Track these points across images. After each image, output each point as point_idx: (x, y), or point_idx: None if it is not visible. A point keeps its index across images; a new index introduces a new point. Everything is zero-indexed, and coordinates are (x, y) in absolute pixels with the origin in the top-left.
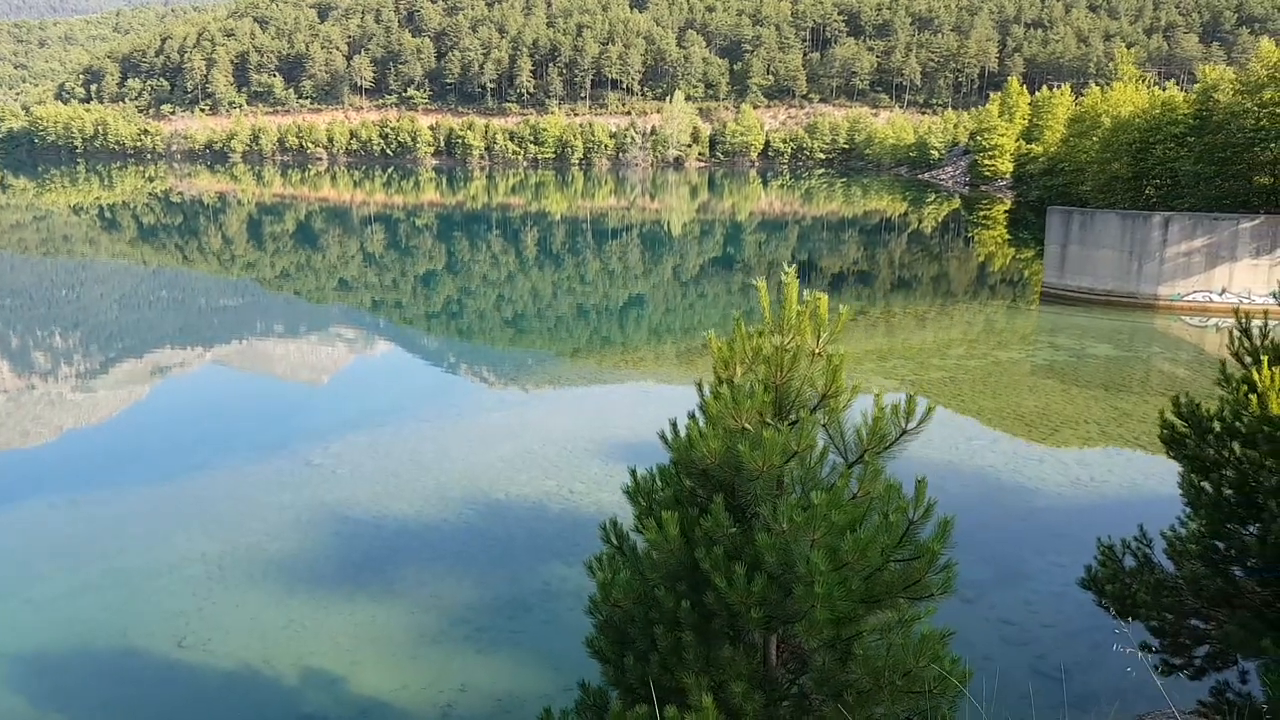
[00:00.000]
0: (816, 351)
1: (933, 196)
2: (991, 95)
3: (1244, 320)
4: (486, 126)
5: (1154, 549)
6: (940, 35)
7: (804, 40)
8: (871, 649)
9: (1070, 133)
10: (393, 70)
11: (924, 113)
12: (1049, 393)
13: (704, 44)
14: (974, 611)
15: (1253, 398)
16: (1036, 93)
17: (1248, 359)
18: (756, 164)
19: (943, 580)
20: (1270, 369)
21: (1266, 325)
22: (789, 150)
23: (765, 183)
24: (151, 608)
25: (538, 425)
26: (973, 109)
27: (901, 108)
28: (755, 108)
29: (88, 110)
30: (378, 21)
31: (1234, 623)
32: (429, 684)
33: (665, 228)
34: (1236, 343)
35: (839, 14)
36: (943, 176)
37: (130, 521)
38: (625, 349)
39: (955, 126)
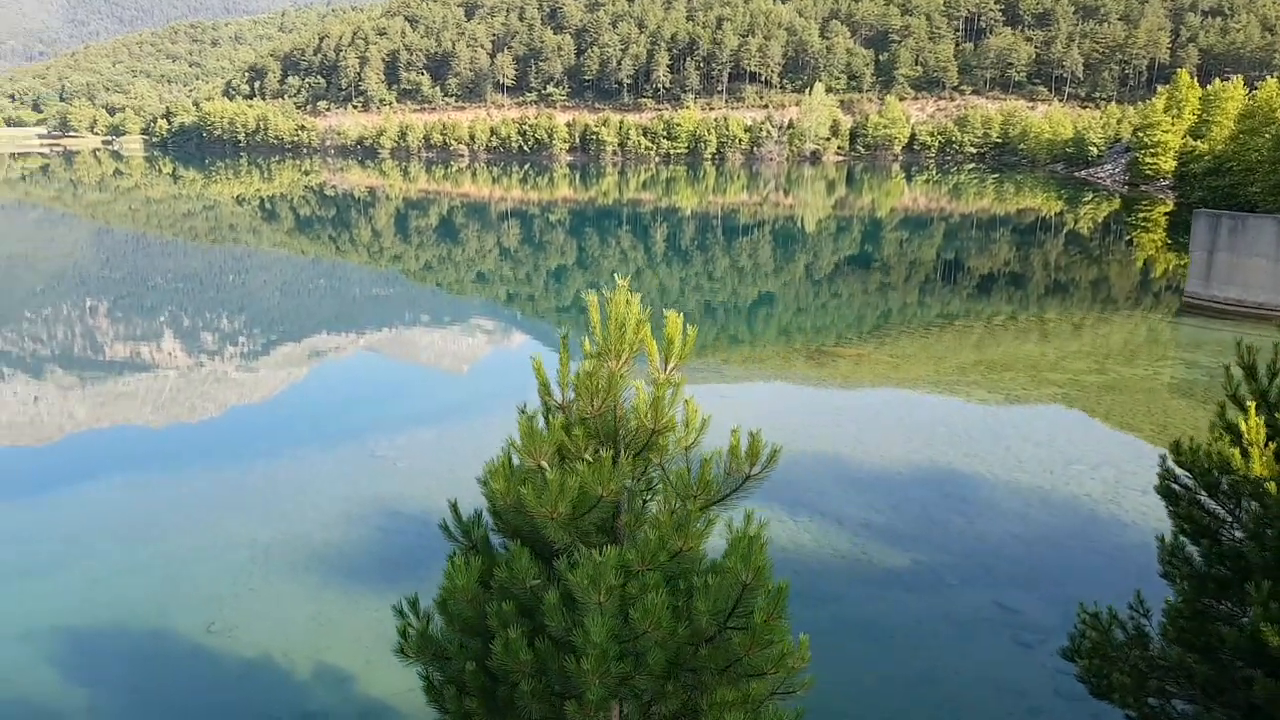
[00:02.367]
0: (663, 378)
1: (1090, 195)
2: (1159, 89)
3: (1248, 355)
4: (621, 122)
5: (1151, 621)
6: (1106, 25)
7: (956, 30)
8: None
9: (1240, 129)
10: (533, 68)
11: (1085, 107)
12: (1173, 415)
13: (848, 34)
14: (1031, 659)
15: (1234, 451)
16: (1208, 86)
17: (1249, 402)
18: (900, 158)
19: (776, 658)
20: (1256, 417)
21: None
22: (936, 144)
23: (909, 178)
24: (190, 591)
25: None
26: (1139, 103)
27: (1061, 101)
28: (901, 100)
29: (250, 106)
30: (521, 19)
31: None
32: None
33: (799, 224)
34: (1236, 384)
35: (995, 3)
36: (1101, 175)
37: (191, 504)
38: (753, 347)
39: (1118, 122)
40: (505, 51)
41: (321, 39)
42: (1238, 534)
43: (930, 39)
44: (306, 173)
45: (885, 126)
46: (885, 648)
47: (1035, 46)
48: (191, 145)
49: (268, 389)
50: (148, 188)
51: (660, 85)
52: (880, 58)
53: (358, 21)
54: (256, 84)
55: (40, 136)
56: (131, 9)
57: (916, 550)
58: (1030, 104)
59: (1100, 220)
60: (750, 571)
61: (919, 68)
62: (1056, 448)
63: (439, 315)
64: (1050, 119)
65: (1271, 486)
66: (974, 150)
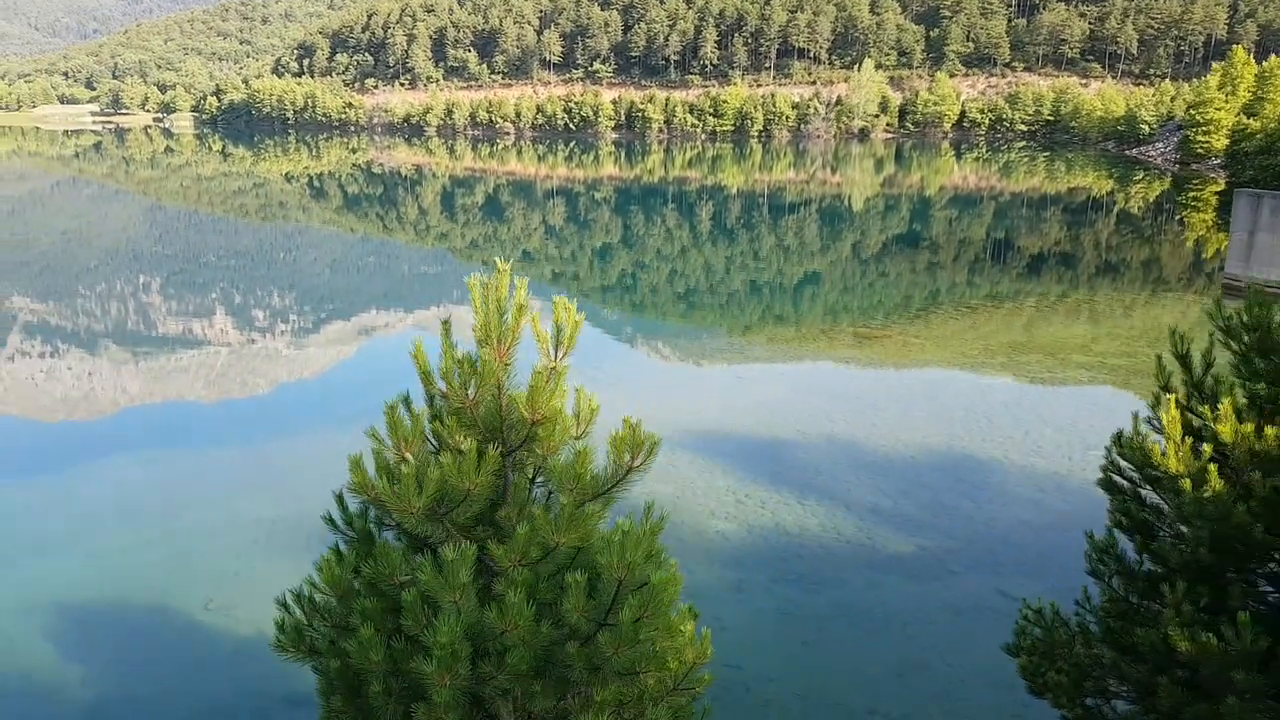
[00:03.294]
0: (554, 367)
1: (1141, 174)
2: (1215, 66)
3: (1181, 343)
4: (667, 100)
5: (1098, 618)
6: (1162, 1)
7: (1009, 6)
8: None
9: None
10: (580, 44)
11: (1139, 84)
12: None
13: (899, 10)
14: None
15: (1155, 445)
16: (1264, 63)
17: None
18: (949, 135)
19: (649, 657)
20: (1174, 410)
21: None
22: (986, 121)
23: (959, 155)
24: (192, 568)
25: (636, 405)
26: (1194, 81)
27: (1115, 78)
28: (951, 76)
29: (299, 84)
30: None
31: None
32: None
33: (846, 202)
34: (1167, 373)
35: None
36: (1152, 153)
37: (214, 481)
38: (798, 327)
39: (1172, 99)
40: (552, 28)
41: (370, 16)
42: (1173, 531)
43: (982, 15)
44: (354, 150)
45: (935, 104)
46: (881, 635)
47: (1089, 22)
48: (241, 123)
49: (317, 366)
50: (198, 165)
51: (707, 62)
52: (931, 34)
53: None
54: (305, 61)
55: (93, 114)
56: None
57: (922, 536)
58: (1083, 81)
59: (1151, 200)
60: (623, 568)
61: (970, 44)
62: (1078, 432)
63: None
64: (1102, 96)
65: (1186, 484)
66: (1025, 128)
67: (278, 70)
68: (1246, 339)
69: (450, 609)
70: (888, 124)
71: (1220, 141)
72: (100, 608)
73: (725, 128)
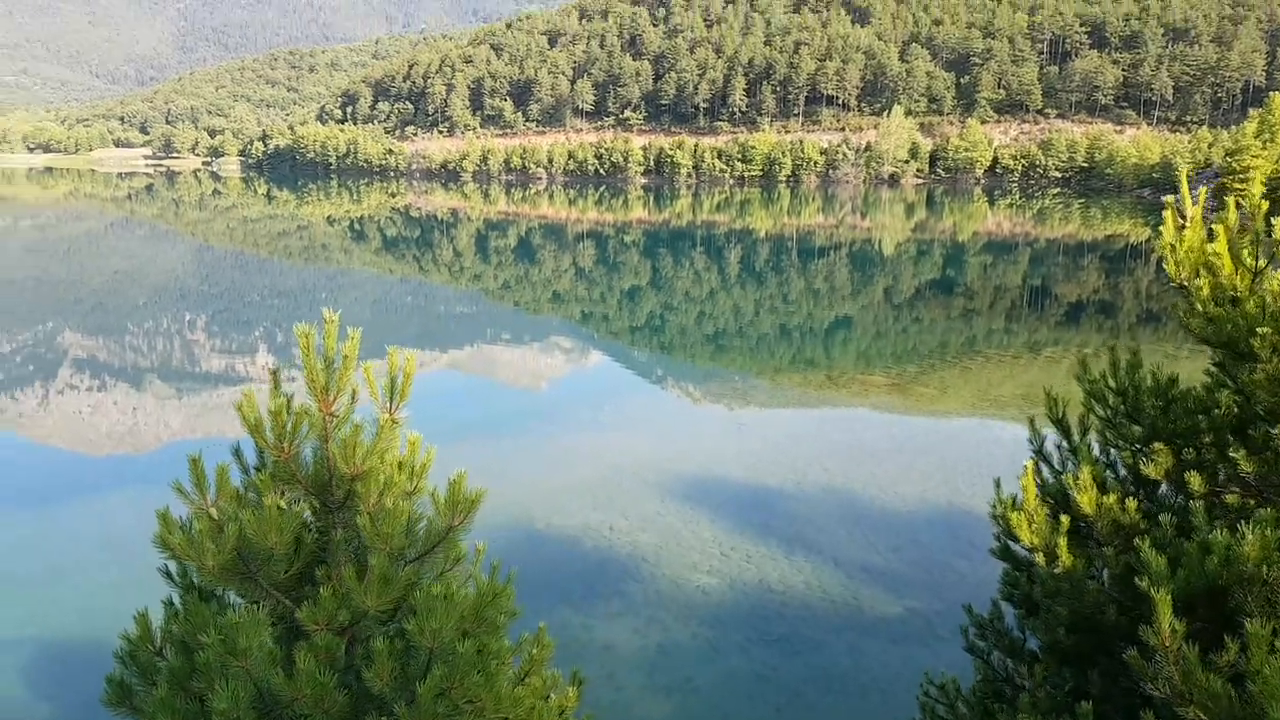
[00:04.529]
0: (390, 418)
1: None
2: (1252, 112)
3: (1056, 407)
4: (695, 145)
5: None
6: (1197, 47)
7: (1040, 53)
8: None
9: None
10: (612, 93)
11: (1175, 130)
12: None
13: (929, 57)
14: None
15: (1016, 515)
16: None
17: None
18: (982, 181)
19: None
20: (1031, 477)
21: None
22: (1019, 168)
23: (992, 201)
24: None
25: (626, 448)
26: (1231, 128)
27: (1150, 124)
28: (983, 123)
29: (342, 130)
30: (601, 46)
31: None
32: None
33: (876, 247)
34: (1041, 438)
35: (1081, 25)
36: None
37: None
38: (831, 371)
39: (1209, 146)
40: (585, 78)
41: (411, 66)
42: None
43: (1013, 62)
44: (393, 195)
45: (966, 150)
46: (859, 703)
47: (1123, 69)
48: (285, 167)
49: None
50: (244, 207)
51: (736, 109)
52: (961, 80)
53: (446, 49)
54: (349, 109)
55: (145, 157)
56: (237, 37)
57: (911, 597)
58: (1118, 127)
59: None
60: (431, 636)
61: (1001, 91)
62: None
63: (518, 333)
64: (1137, 143)
65: (1040, 558)
66: (1058, 174)
67: (322, 117)
68: (1112, 402)
69: (238, 673)
70: (918, 170)
71: (1257, 189)
72: (80, 645)
73: (753, 173)
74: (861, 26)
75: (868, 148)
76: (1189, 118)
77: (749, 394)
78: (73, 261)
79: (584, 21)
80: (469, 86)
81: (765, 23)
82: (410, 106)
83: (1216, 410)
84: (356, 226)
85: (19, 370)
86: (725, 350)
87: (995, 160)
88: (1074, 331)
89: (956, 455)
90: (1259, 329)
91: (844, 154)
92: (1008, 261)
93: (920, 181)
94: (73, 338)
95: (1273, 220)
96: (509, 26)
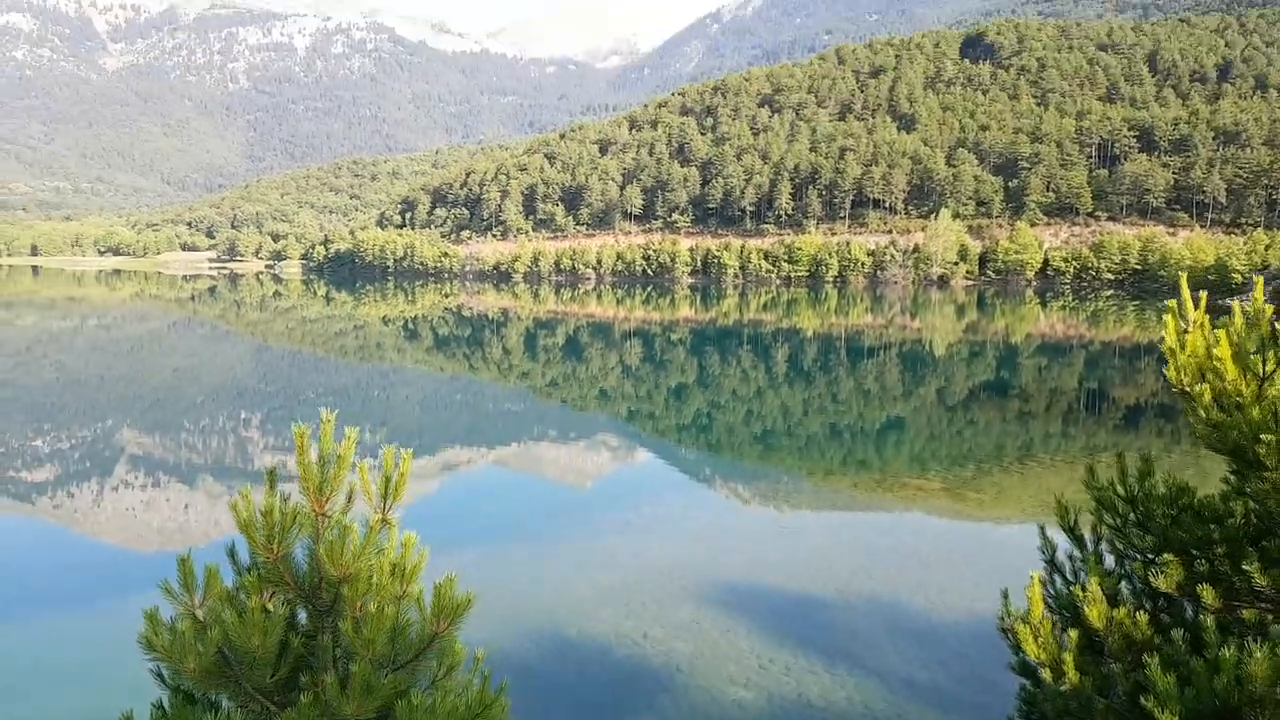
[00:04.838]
0: (383, 519)
1: None
2: None
3: (1068, 516)
4: (742, 247)
5: None
6: (1249, 150)
7: (1089, 157)
8: None
9: None
10: (660, 197)
11: (1230, 232)
12: None
13: (976, 162)
14: None
15: (1022, 626)
16: None
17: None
18: (1033, 283)
19: None
20: (1038, 587)
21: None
22: (1071, 270)
23: (1044, 303)
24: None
25: (664, 550)
26: None
27: (1203, 227)
28: (1033, 225)
29: (400, 235)
30: (651, 154)
31: None
32: None
33: (927, 348)
34: (1053, 547)
35: (1129, 129)
36: (1247, 299)
37: None
38: (880, 474)
39: (1266, 248)
40: (634, 184)
41: (468, 174)
42: None
43: (1061, 165)
44: (446, 295)
45: (1016, 252)
46: None
47: (1173, 172)
48: (345, 270)
49: (401, 500)
50: (303, 308)
51: (782, 212)
52: (1010, 184)
53: (502, 158)
54: (408, 214)
55: (210, 260)
56: (304, 147)
57: (957, 713)
58: (1170, 230)
59: None
60: None
61: (1051, 194)
62: None
63: (565, 431)
64: (1190, 245)
65: (1047, 674)
66: (1111, 276)
67: (382, 222)
68: (1121, 510)
69: None
70: (968, 271)
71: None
72: None
73: (800, 273)
74: (907, 133)
75: (915, 249)
76: (1244, 220)
77: (794, 496)
78: (135, 360)
79: (634, 131)
80: (522, 192)
81: (811, 130)
82: (466, 212)
83: (1231, 520)
84: (410, 326)
85: (76, 466)
86: (773, 450)
87: (1046, 262)
88: (1133, 436)
89: (1008, 564)
90: (1263, 435)
91: (892, 255)
92: (1063, 364)
93: (970, 283)
94: (130, 434)
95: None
96: (562, 137)
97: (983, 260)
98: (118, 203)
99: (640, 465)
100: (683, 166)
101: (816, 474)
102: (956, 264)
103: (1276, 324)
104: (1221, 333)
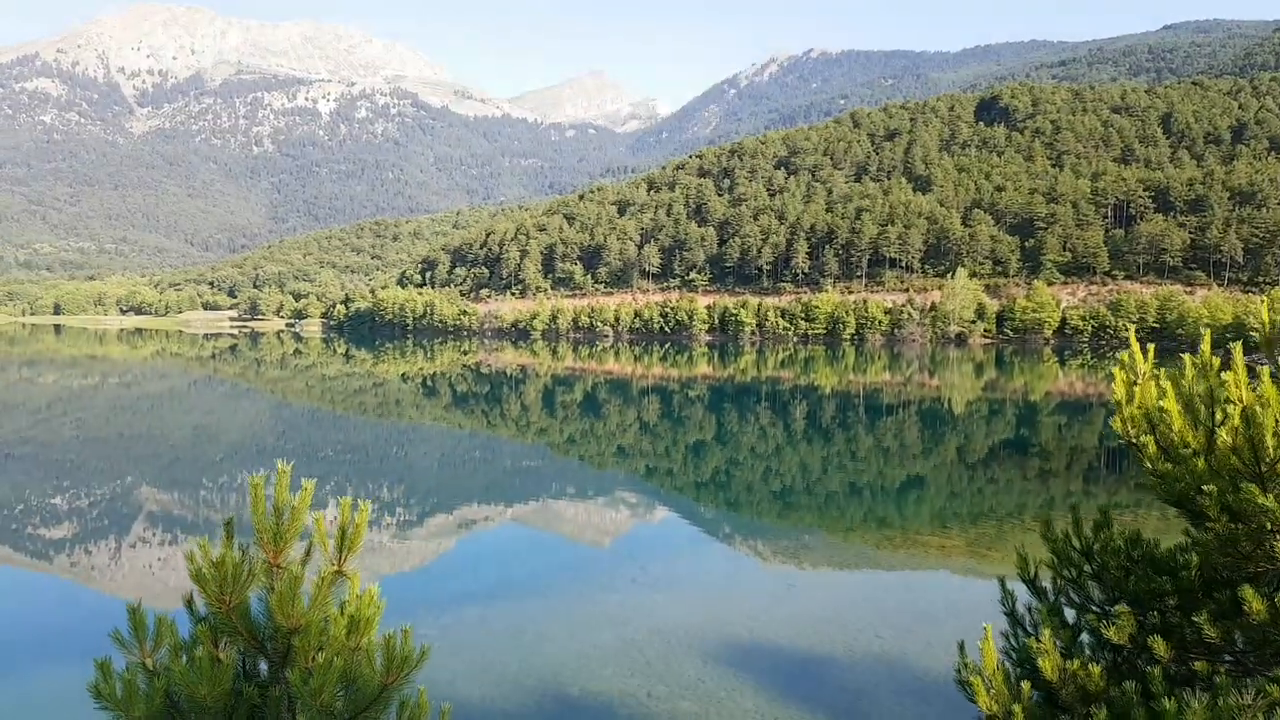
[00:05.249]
0: (338, 570)
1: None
2: None
3: (1028, 568)
4: (759, 305)
5: None
6: (1265, 210)
7: (1105, 216)
8: None
9: None
10: (678, 256)
11: (1248, 291)
12: None
13: (992, 222)
14: None
15: (974, 680)
16: None
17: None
18: (1051, 342)
19: None
20: (990, 642)
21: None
22: (1089, 328)
23: (1062, 361)
24: None
25: (672, 608)
26: None
27: (1221, 286)
28: (1050, 284)
29: (420, 293)
30: (668, 215)
31: None
32: None
33: (946, 405)
34: (1012, 598)
35: (1145, 190)
36: (1264, 360)
37: None
38: (896, 531)
39: None
40: (652, 243)
41: (488, 234)
42: None
43: (1077, 225)
44: (465, 353)
45: (1034, 310)
46: None
47: (1189, 232)
48: (365, 328)
49: (418, 559)
50: (323, 366)
51: (799, 270)
52: (1026, 243)
53: (521, 219)
54: (428, 273)
55: (231, 319)
56: (326, 208)
57: None
58: (1188, 289)
59: None
60: None
61: (1067, 253)
62: None
63: (583, 488)
64: (1208, 304)
65: None
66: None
67: (402, 281)
68: (1076, 561)
69: None
70: (985, 330)
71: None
72: None
73: (817, 331)
74: (923, 194)
75: (933, 308)
76: (1261, 278)
77: (810, 553)
78: (154, 417)
79: (652, 192)
80: (541, 252)
81: (827, 191)
82: (486, 271)
83: (1185, 572)
84: (429, 383)
85: (95, 523)
86: (792, 508)
87: (1064, 321)
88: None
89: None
90: (1205, 486)
91: (909, 314)
92: (1082, 422)
93: (988, 341)
94: (148, 492)
95: (1223, 375)
96: (581, 198)
97: (1000, 319)
98: (141, 263)
99: (658, 523)
100: (700, 226)
101: (836, 532)
102: (974, 322)
103: (1224, 375)
104: (1168, 384)
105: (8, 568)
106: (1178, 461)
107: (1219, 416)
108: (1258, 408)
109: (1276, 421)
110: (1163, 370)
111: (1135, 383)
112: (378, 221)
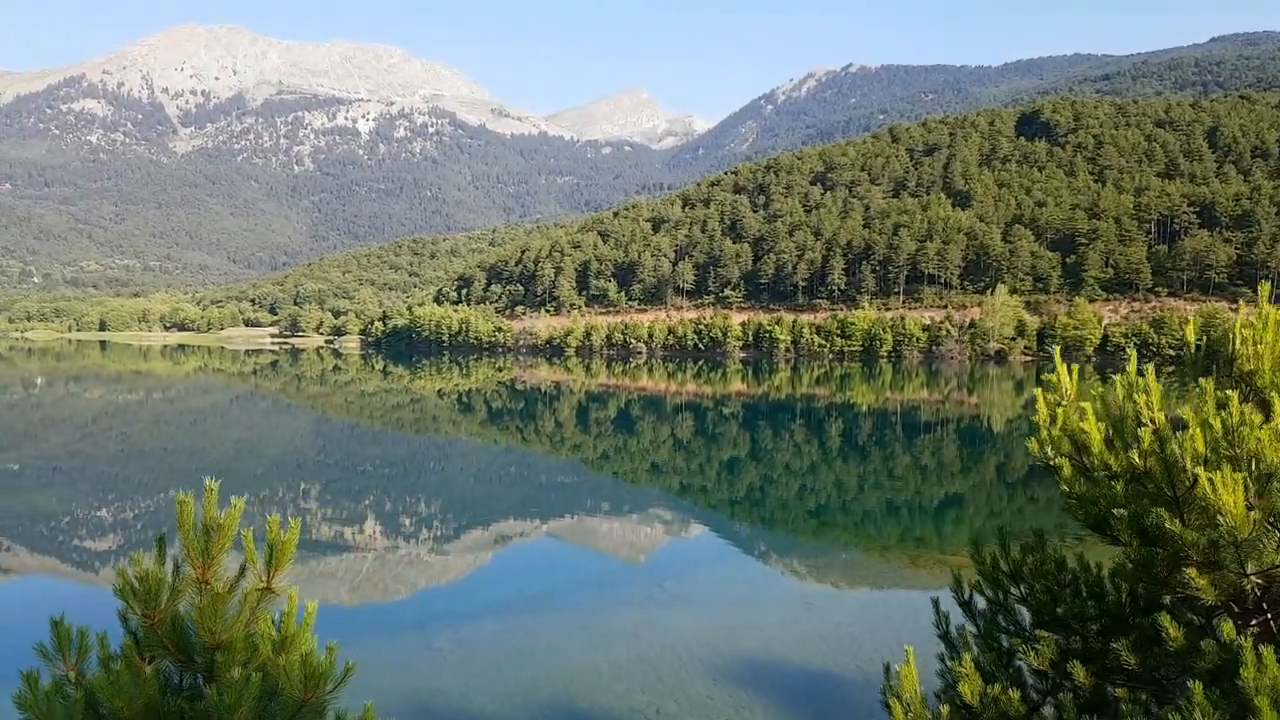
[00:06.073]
0: (265, 587)
1: None
2: None
3: (963, 590)
4: (794, 321)
5: None
6: None
7: (1148, 232)
8: None
9: None
10: (712, 273)
11: None
12: None
13: (1032, 238)
14: None
15: (894, 703)
16: None
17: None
18: (1093, 359)
19: None
20: (909, 665)
21: None
22: (1132, 346)
23: (1104, 379)
24: None
25: (689, 624)
26: None
27: (1270, 301)
28: (1091, 301)
29: (455, 310)
30: (703, 231)
31: None
32: None
33: (986, 423)
34: (945, 618)
35: (1189, 205)
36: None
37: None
38: (941, 551)
39: None
40: (686, 260)
41: (523, 251)
42: None
43: (1120, 241)
44: (500, 369)
45: (1075, 328)
46: None
47: (1235, 247)
48: (402, 344)
49: (455, 573)
50: (361, 382)
51: (835, 287)
52: (1067, 260)
53: (556, 236)
54: (464, 291)
55: (272, 335)
56: (366, 226)
57: None
58: (1233, 305)
59: None
60: None
61: (1109, 269)
62: None
63: (617, 504)
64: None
65: None
66: (1173, 352)
67: (439, 299)
68: (1004, 584)
69: None
70: (1025, 347)
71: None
72: None
73: (853, 348)
74: (962, 209)
75: (972, 324)
76: None
77: (833, 571)
78: (197, 432)
79: (687, 209)
80: (576, 269)
81: (864, 207)
82: (521, 288)
83: (1111, 597)
84: (464, 399)
85: (138, 537)
86: (828, 525)
87: (1105, 338)
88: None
89: None
90: (1116, 510)
91: (947, 330)
92: None
93: (1028, 358)
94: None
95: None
96: (616, 215)
97: (1040, 336)
98: (185, 280)
99: (691, 539)
100: (735, 243)
101: (871, 550)
102: (1014, 339)
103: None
104: (1088, 406)
105: (55, 578)
106: (1095, 483)
107: (1147, 441)
108: (1169, 430)
109: (1196, 446)
110: (1098, 389)
111: (1060, 404)
112: (415, 239)
